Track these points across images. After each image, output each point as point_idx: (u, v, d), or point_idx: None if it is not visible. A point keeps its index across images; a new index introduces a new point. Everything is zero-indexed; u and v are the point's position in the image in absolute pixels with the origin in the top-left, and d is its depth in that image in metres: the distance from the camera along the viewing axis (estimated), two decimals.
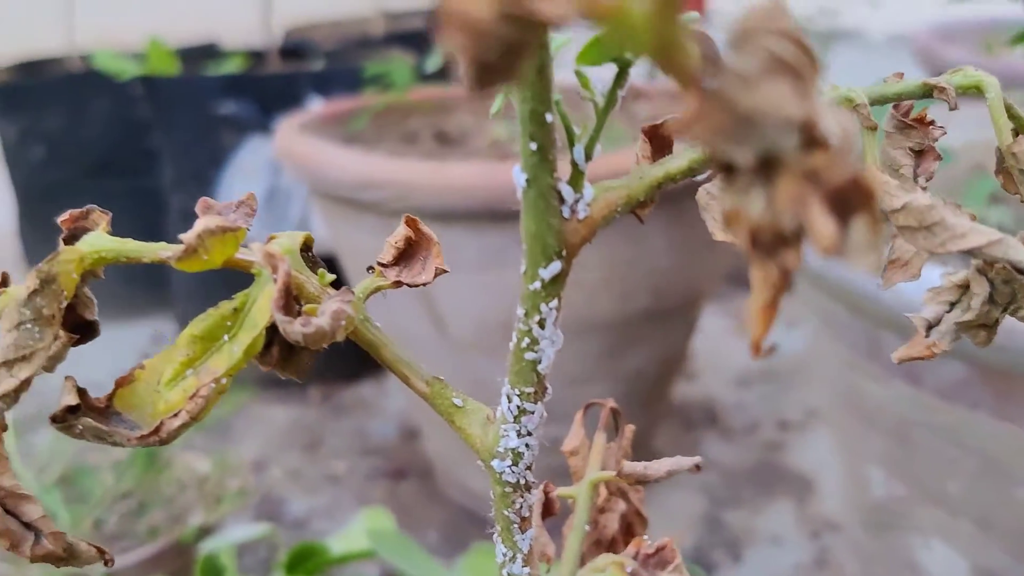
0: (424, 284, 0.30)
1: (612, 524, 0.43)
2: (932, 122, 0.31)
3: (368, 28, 2.65)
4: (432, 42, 2.48)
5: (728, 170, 0.14)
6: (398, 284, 0.30)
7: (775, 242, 0.15)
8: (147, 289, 2.18)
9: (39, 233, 2.26)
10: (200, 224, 0.26)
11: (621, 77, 0.26)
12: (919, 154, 0.31)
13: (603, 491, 0.43)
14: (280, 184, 1.69)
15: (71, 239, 0.30)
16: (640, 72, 1.97)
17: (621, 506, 0.43)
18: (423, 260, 0.31)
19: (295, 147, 1.34)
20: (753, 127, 0.13)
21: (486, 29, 0.12)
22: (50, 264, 0.26)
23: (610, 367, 1.40)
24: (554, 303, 0.26)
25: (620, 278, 1.31)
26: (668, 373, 1.53)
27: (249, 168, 1.73)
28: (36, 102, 2.11)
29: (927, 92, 0.28)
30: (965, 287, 0.35)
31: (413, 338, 1.38)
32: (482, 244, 1.26)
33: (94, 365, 1.85)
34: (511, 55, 0.13)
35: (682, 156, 0.26)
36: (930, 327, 0.35)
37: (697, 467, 0.40)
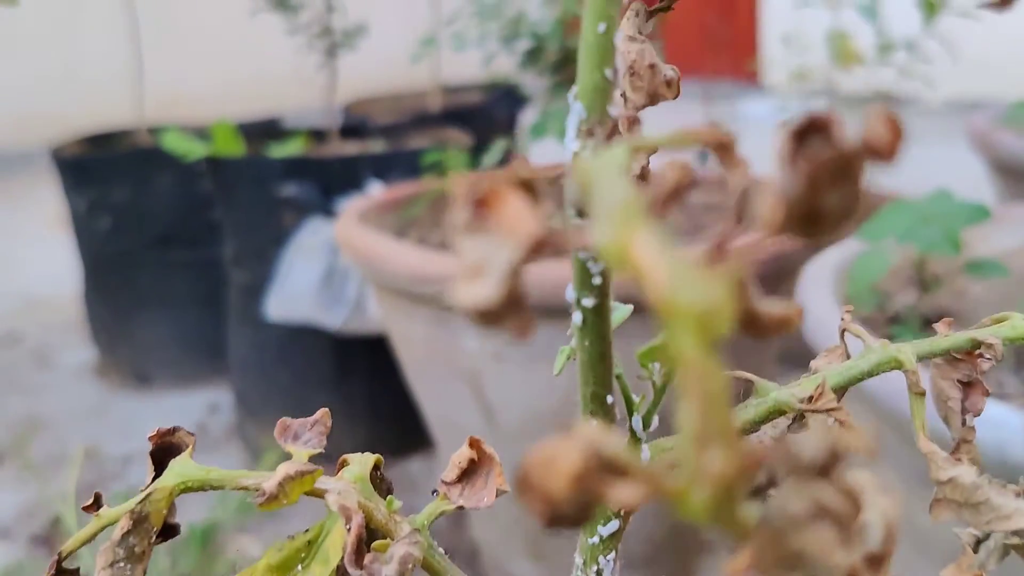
0: (487, 505, 0.31)
1: None
2: (980, 355, 0.32)
3: (426, 102, 2.71)
4: (487, 123, 2.52)
5: None
6: (461, 508, 0.32)
7: None
8: (204, 359, 2.22)
9: (104, 300, 2.32)
10: (281, 472, 0.28)
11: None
12: (967, 386, 0.32)
13: None
14: (338, 264, 1.72)
15: (159, 452, 0.32)
16: (693, 157, 1.98)
17: None
18: (485, 478, 0.32)
19: (354, 238, 1.37)
20: (802, 562, 0.15)
21: (560, 500, 0.14)
22: (143, 504, 0.28)
23: None
24: (612, 555, 0.27)
25: None
26: None
27: (309, 248, 1.77)
28: (104, 175, 2.18)
29: (976, 346, 0.29)
30: None
31: (462, 426, 1.40)
32: (533, 337, 1.27)
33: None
34: (581, 512, 0.14)
35: (736, 418, 0.27)
36: (979, 542, 0.36)
37: None
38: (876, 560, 0.16)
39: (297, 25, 1.89)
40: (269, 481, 0.27)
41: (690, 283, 0.13)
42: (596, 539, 0.27)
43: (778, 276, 1.28)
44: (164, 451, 0.32)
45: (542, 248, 0.15)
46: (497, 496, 0.32)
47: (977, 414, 0.32)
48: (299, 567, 0.29)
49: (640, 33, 0.26)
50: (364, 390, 1.87)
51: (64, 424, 2.11)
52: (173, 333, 2.25)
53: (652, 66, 0.26)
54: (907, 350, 0.28)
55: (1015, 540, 0.35)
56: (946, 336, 0.29)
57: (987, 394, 0.32)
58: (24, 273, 3.20)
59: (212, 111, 2.12)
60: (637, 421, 0.26)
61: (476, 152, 1.81)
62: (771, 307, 0.16)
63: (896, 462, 0.86)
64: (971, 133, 1.93)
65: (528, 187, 0.16)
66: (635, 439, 0.26)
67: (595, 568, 0.27)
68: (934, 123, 4.77)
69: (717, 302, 0.13)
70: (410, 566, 0.27)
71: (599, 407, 0.25)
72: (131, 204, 2.19)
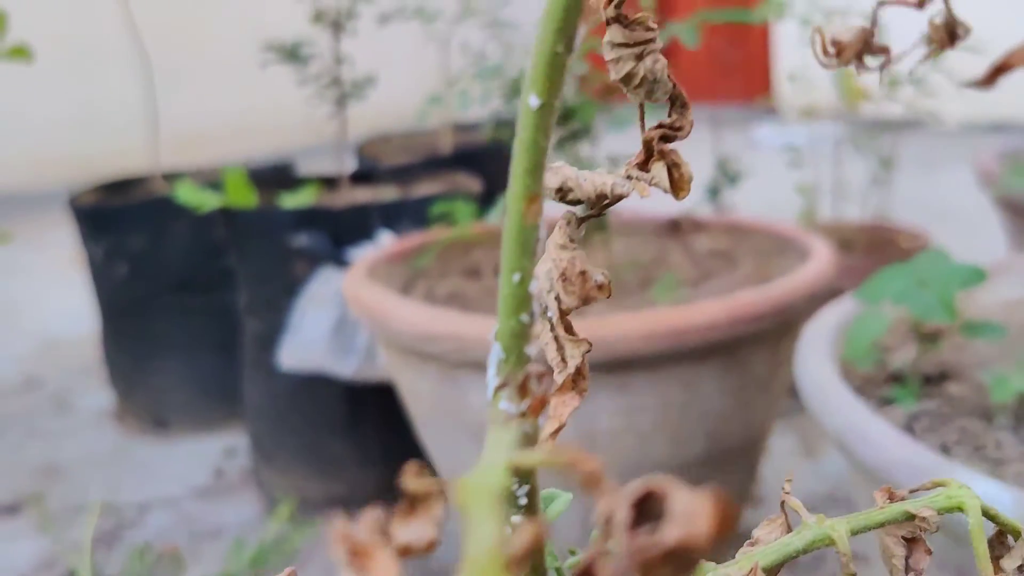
0: None
1: None
2: (925, 518, 0.33)
3: (437, 142, 2.74)
4: (497, 162, 2.55)
5: None
6: None
7: None
8: (221, 403, 2.25)
9: (121, 345, 2.35)
10: None
11: None
12: (911, 542, 0.33)
13: None
14: (348, 314, 1.74)
15: None
16: (700, 202, 1.99)
17: None
18: None
19: (361, 294, 1.39)
20: None
21: None
22: None
23: None
24: None
25: (674, 422, 1.32)
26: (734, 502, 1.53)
27: (320, 297, 1.79)
28: (121, 223, 2.22)
29: (910, 518, 0.30)
30: None
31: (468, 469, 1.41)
32: None
33: (169, 479, 1.94)
34: None
35: None
36: None
37: None
38: None
39: (307, 76, 1.91)
40: None
41: None
42: None
43: (781, 333, 1.29)
44: None
45: None
46: None
47: (919, 573, 0.33)
48: None
49: (571, 241, 0.28)
50: (377, 436, 1.88)
51: (82, 470, 2.13)
52: (190, 378, 2.28)
53: (583, 273, 0.27)
54: (840, 527, 0.30)
55: None
56: (881, 509, 0.30)
57: (929, 553, 0.33)
58: (42, 314, 3.24)
59: (225, 150, 2.15)
60: None
61: (485, 199, 1.83)
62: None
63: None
64: (979, 171, 1.93)
65: (420, 499, 0.17)
66: None
67: None
68: (949, 146, 4.77)
69: None
70: None
71: None
72: (147, 251, 2.22)
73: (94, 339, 2.57)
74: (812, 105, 2.28)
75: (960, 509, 0.31)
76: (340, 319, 1.77)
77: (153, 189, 2.36)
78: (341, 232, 1.81)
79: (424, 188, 2.10)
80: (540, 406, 0.21)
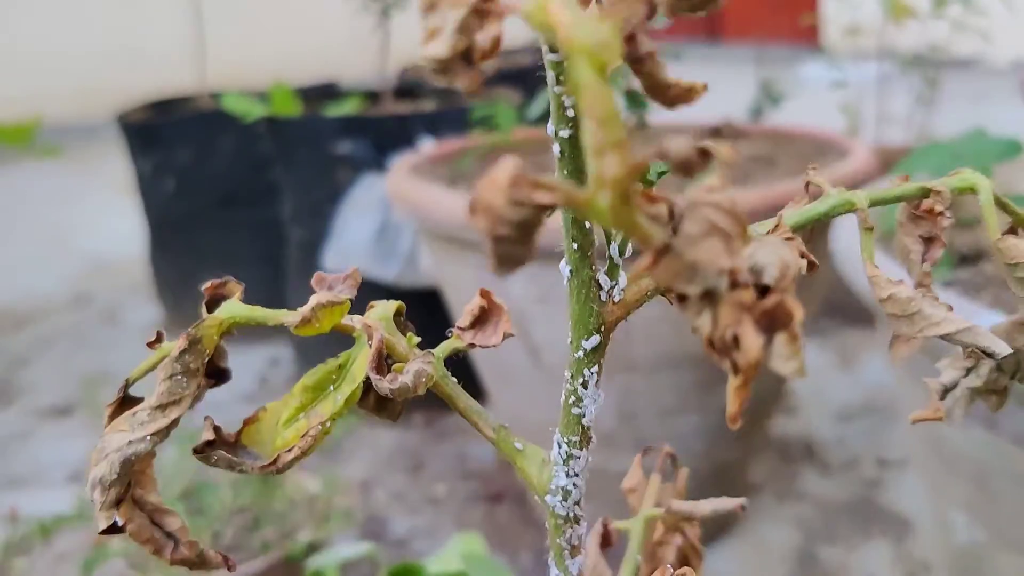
0: (494, 346, 0.36)
1: (668, 556, 0.48)
2: (941, 213, 0.35)
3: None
4: (537, 82, 2.56)
5: (683, 298, 0.19)
6: (472, 346, 0.36)
7: (725, 348, 0.20)
8: None
9: (168, 259, 2.41)
10: (314, 299, 0.32)
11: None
12: (928, 241, 0.35)
13: (661, 526, 0.48)
14: (391, 219, 1.78)
15: (212, 303, 0.36)
16: (742, 112, 1.98)
17: (678, 540, 0.48)
18: (495, 325, 0.37)
19: (405, 189, 1.42)
20: (696, 272, 0.19)
21: (499, 210, 0.18)
22: (197, 329, 0.33)
23: (702, 400, 1.44)
24: (595, 368, 0.31)
25: None
26: (763, 407, 1.55)
27: (363, 204, 1.82)
28: (168, 139, 2.27)
29: (925, 194, 0.33)
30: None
31: (509, 367, 1.44)
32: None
33: (218, 388, 1.96)
34: (522, 234, 0.18)
35: None
36: (946, 391, 0.39)
37: (742, 507, 0.45)
38: (772, 295, 0.20)
39: None
40: (304, 307, 0.32)
41: (587, 26, 0.17)
42: (581, 353, 0.31)
43: (819, 227, 1.30)
44: (217, 301, 0.37)
45: (484, 12, 0.19)
46: (504, 339, 0.36)
47: (934, 263, 0.35)
48: (331, 387, 0.34)
49: None
50: (418, 343, 1.92)
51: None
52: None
53: None
54: (860, 195, 0.32)
55: (976, 384, 0.38)
56: (899, 184, 0.33)
57: (944, 246, 0.35)
58: (92, 238, 3.32)
59: (271, 78, 2.18)
60: (614, 248, 0.30)
61: (525, 107, 1.84)
62: (678, 81, 0.20)
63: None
64: (1021, 81, 1.91)
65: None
66: (613, 264, 0.30)
67: (581, 379, 0.31)
68: (999, 84, 4.68)
69: (606, 38, 0.17)
70: (423, 379, 0.31)
71: (579, 232, 0.29)
72: (194, 166, 2.27)
73: (143, 261, 2.63)
74: (856, 25, 2.26)
75: (972, 190, 0.33)
76: (382, 225, 1.80)
77: (200, 106, 2.40)
78: (384, 140, 1.84)
79: (466, 102, 2.12)
80: None
